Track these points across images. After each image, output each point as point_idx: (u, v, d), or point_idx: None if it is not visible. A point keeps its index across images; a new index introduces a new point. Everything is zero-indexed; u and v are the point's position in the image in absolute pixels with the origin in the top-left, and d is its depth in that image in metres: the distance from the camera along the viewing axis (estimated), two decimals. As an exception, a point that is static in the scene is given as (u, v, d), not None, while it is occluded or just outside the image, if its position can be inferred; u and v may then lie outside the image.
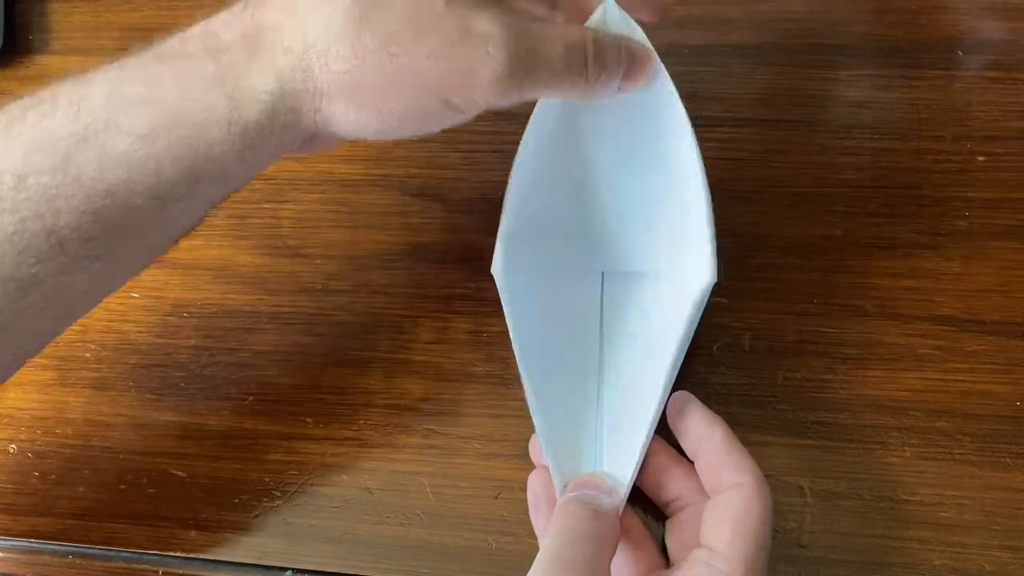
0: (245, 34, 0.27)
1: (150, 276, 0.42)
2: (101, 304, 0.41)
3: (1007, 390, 0.35)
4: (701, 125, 0.42)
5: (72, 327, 0.41)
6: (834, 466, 0.35)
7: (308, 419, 0.38)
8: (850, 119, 0.41)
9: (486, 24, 0.27)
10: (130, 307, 0.41)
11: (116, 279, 0.31)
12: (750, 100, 0.42)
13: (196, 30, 0.28)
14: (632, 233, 0.35)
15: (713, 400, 0.36)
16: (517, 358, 0.32)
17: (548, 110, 0.33)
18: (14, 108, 0.28)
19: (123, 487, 0.37)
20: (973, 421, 0.35)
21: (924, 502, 0.34)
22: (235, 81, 0.27)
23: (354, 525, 0.36)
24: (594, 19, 0.32)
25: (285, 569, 0.35)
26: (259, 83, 0.27)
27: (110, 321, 0.41)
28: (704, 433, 0.32)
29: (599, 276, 0.36)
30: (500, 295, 0.33)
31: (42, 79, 0.32)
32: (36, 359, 0.40)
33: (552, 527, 0.31)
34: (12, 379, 0.40)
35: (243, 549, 0.36)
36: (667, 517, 0.34)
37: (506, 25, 0.27)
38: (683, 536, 0.32)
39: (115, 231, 0.28)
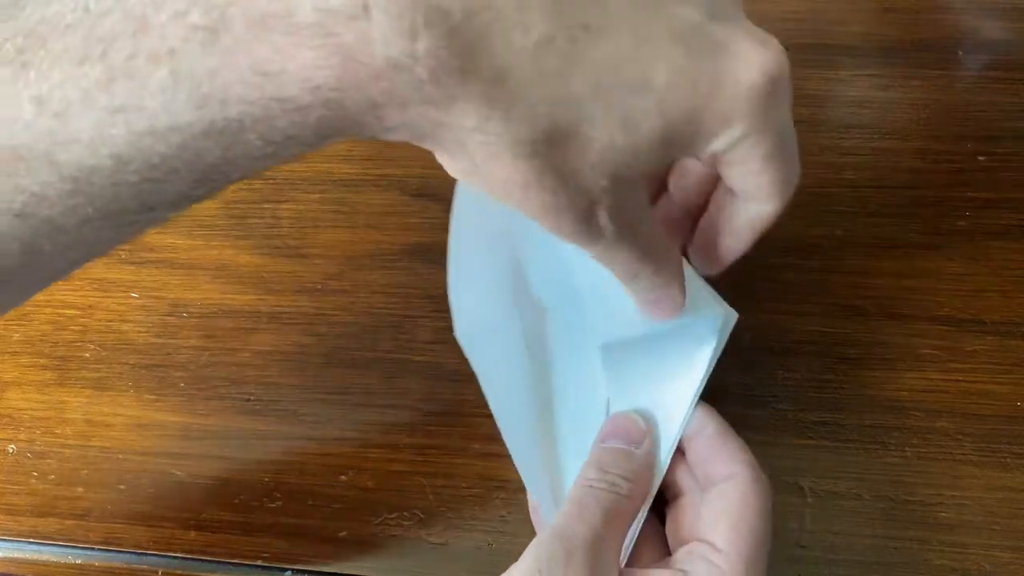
0: None
1: (150, 276, 0.42)
2: (101, 304, 0.41)
3: (1007, 390, 0.35)
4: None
5: (72, 327, 0.41)
6: (834, 466, 0.35)
7: (308, 419, 0.38)
8: (850, 119, 0.41)
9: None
10: (130, 307, 0.41)
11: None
12: (750, 100, 0.42)
13: None
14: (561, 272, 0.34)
15: (713, 400, 0.36)
16: (492, 409, 0.32)
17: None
18: None
19: (123, 487, 0.37)
20: (973, 421, 0.35)
21: (924, 502, 0.34)
22: None
23: (354, 525, 0.36)
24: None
25: (285, 569, 0.35)
26: None
27: (110, 321, 0.41)
28: (694, 428, 0.31)
29: (545, 311, 0.35)
30: (467, 354, 0.32)
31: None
32: (36, 359, 0.40)
33: (568, 498, 0.30)
34: (12, 379, 0.40)
35: (243, 549, 0.36)
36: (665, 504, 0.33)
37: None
38: (677, 526, 0.32)
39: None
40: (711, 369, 0.32)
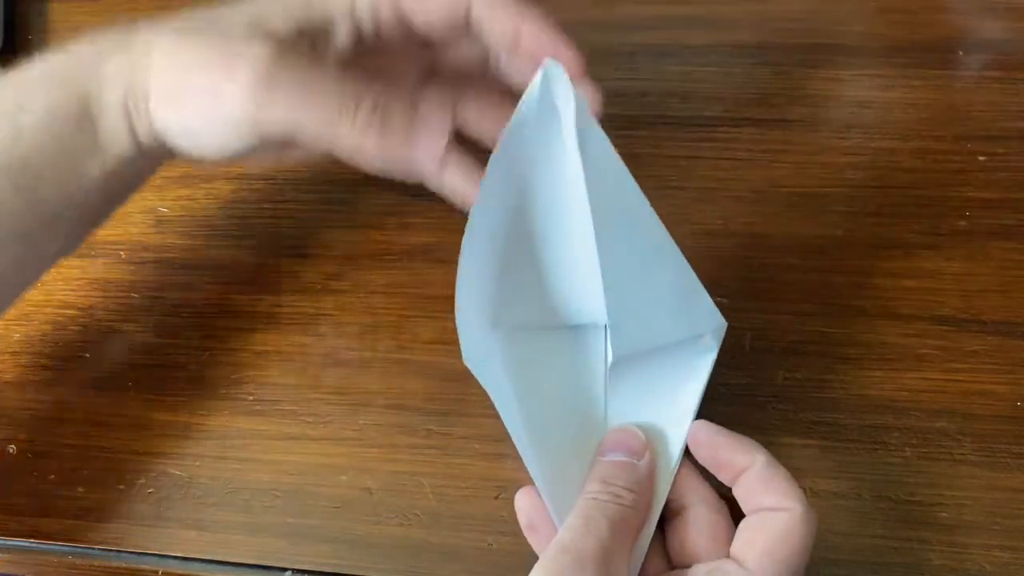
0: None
1: (150, 276, 0.42)
2: (101, 304, 0.41)
3: (1007, 390, 0.35)
4: (701, 125, 0.42)
5: (72, 327, 0.41)
6: (834, 466, 0.35)
7: (308, 419, 0.38)
8: (850, 119, 0.41)
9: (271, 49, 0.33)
10: (130, 307, 0.41)
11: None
12: (750, 100, 0.42)
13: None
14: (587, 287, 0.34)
15: (713, 400, 0.36)
16: (505, 423, 0.32)
17: (496, 183, 0.31)
18: None
19: (123, 487, 0.37)
20: (973, 421, 0.35)
21: (924, 502, 0.34)
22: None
23: (354, 525, 0.36)
24: (534, 84, 0.29)
25: (285, 569, 0.35)
26: (113, 70, 0.34)
27: (110, 321, 0.41)
28: (743, 463, 0.30)
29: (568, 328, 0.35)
30: (477, 377, 0.33)
31: (42, 79, 0.32)
32: (36, 359, 0.40)
33: (572, 513, 0.30)
34: (12, 379, 0.40)
35: (243, 549, 0.36)
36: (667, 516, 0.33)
37: (290, 53, 0.33)
38: (681, 541, 0.31)
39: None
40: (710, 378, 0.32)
